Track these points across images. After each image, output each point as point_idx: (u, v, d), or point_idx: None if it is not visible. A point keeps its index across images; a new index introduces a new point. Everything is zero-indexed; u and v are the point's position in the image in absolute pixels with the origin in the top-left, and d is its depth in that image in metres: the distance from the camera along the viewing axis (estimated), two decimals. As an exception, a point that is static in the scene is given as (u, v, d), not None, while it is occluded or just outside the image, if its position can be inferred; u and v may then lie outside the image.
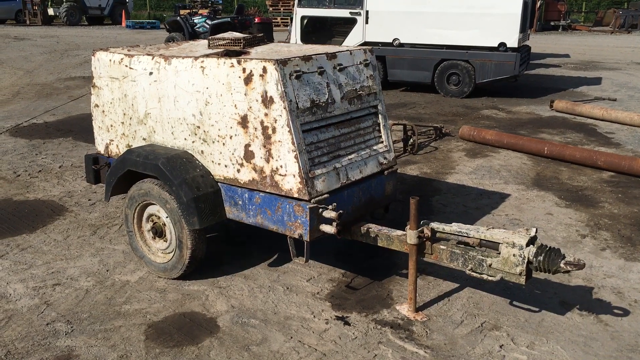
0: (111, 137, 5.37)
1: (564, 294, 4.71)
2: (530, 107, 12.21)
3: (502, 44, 12.23)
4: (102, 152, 5.52)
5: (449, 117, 11.26)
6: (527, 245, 3.92)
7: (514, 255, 3.93)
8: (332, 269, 5.11)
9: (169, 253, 4.87)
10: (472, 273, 4.10)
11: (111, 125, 5.32)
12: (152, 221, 4.92)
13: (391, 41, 13.37)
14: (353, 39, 13.66)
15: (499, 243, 4.02)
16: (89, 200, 6.73)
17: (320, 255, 5.29)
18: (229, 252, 5.44)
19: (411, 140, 8.67)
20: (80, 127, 10.06)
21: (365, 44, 13.44)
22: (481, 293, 4.71)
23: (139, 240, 5.05)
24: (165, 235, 4.87)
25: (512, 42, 12.13)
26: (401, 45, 13.33)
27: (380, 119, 4.99)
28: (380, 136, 5.00)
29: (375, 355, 3.93)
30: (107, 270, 5.07)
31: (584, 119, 10.98)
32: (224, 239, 5.74)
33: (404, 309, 4.47)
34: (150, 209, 4.92)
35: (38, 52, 20.97)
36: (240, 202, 4.60)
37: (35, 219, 6.18)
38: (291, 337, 4.12)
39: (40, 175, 7.64)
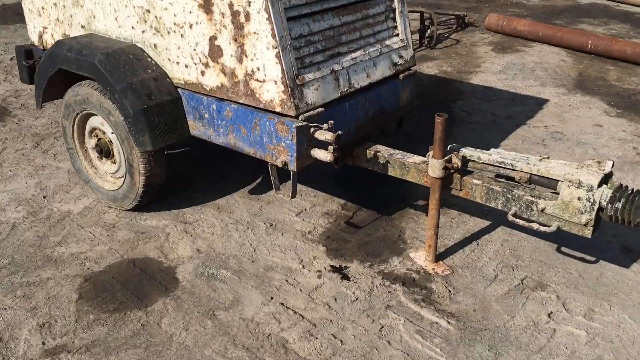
0: (44, 23, 4.12)
1: (626, 237, 3.65)
2: (564, -7, 10.63)
3: None
4: (36, 42, 4.30)
5: (472, 3, 9.74)
6: (599, 185, 2.80)
7: (579, 198, 2.82)
8: (328, 199, 4.04)
9: (120, 178, 3.79)
10: (517, 220, 3.02)
11: (42, 7, 4.06)
12: (97, 137, 3.79)
13: None
14: None
15: (558, 180, 2.91)
16: (39, 101, 5.56)
17: (315, 180, 4.20)
18: (201, 173, 4.35)
19: (429, 32, 7.31)
20: (44, 11, 8.67)
21: None
22: (519, 235, 3.66)
23: (82, 161, 3.95)
24: (113, 156, 3.76)
25: None
26: None
27: (396, 3, 3.70)
28: (396, 27, 3.74)
29: (382, 326, 2.95)
30: (45, 197, 4.02)
31: (629, 7, 9.46)
32: (194, 156, 4.63)
33: (420, 258, 3.44)
34: (92, 121, 3.78)
35: None
36: (206, 116, 3.45)
37: (-31, 126, 5.07)
38: (272, 298, 3.12)
39: (-14, 69, 6.43)
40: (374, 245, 3.57)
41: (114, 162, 3.77)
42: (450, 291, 3.19)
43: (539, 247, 3.55)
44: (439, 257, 3.44)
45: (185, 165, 4.46)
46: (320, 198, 4.04)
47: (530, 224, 2.98)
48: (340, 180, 4.25)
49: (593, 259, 3.46)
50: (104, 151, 3.76)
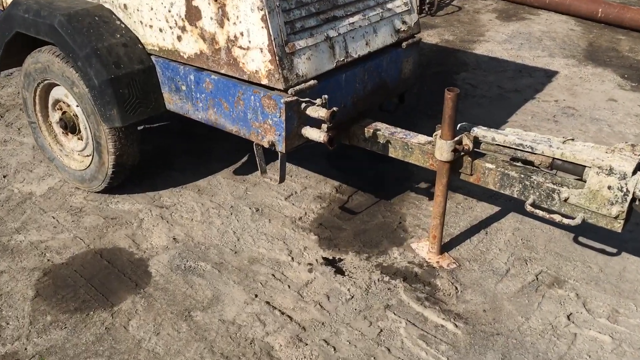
0: (2, -19, 3.66)
1: (650, 226, 3.31)
2: (570, -41, 10.11)
3: None
4: (-5, 3, 3.83)
5: (473, -32, 9.24)
6: (634, 172, 2.43)
7: (609, 187, 2.45)
8: (321, 180, 3.66)
9: (87, 156, 3.39)
10: (536, 210, 2.65)
11: (-1, -37, 3.60)
12: (61, 110, 3.37)
13: None
14: None
15: (585, 166, 2.53)
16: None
17: (307, 159, 3.82)
18: (181, 150, 3.95)
19: (429, -3, 6.86)
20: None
21: None
22: (532, 222, 3.30)
23: (46, 136, 3.54)
24: (80, 131, 3.35)
25: None
26: None
27: (400, -39, 3.27)
28: (399, -12, 3.31)
29: (381, 330, 2.59)
30: (5, 176, 3.62)
31: (638, -26, 8.99)
32: (174, 131, 4.22)
33: (423, 249, 3.08)
34: (55, 92, 3.36)
35: None
36: (184, 88, 3.03)
37: None
38: (256, 296, 2.76)
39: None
40: (372, 234, 3.20)
41: (81, 139, 3.36)
42: (457, 288, 2.84)
43: (554, 237, 3.20)
44: (443, 248, 3.08)
45: (164, 141, 4.05)
46: (312, 179, 3.66)
47: (551, 215, 2.61)
48: (334, 159, 3.86)
49: (614, 250, 3.12)
50: (69, 126, 3.34)
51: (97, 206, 3.35)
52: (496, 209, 3.42)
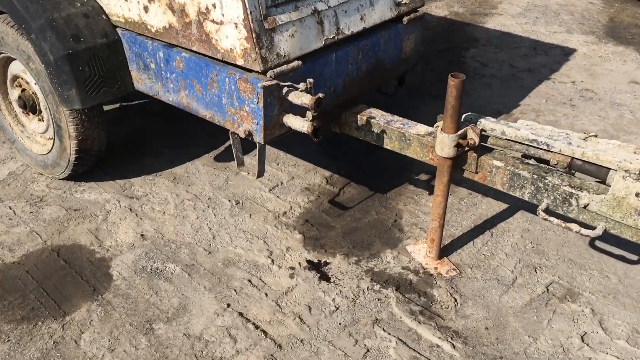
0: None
1: (676, 230, 2.94)
2: None
3: None
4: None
5: None
6: (667, 179, 2.07)
7: (637, 194, 2.10)
8: (311, 170, 3.31)
9: (50, 139, 3.05)
10: (549, 217, 2.30)
11: None
12: (20, 87, 3.02)
13: None
14: None
15: (610, 169, 2.17)
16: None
17: (296, 144, 3.46)
18: (159, 133, 3.60)
19: (439, -35, 6.38)
20: None
21: None
22: (543, 223, 2.95)
23: (6, 116, 3.20)
24: (41, 112, 3.01)
25: None
26: None
27: None
28: (401, -46, 2.91)
29: (368, 350, 2.27)
30: (-38, 160, 3.29)
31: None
32: (154, 110, 3.87)
33: (420, 253, 2.74)
34: (13, 68, 3.00)
35: None
36: (153, 66, 2.67)
37: None
38: (228, 305, 2.44)
39: None
40: (363, 234, 2.87)
41: (42, 120, 3.02)
42: (456, 300, 2.51)
43: (568, 241, 2.85)
44: (443, 252, 2.74)
45: (139, 123, 3.70)
46: (300, 168, 3.31)
47: (567, 224, 2.26)
48: (326, 146, 3.51)
49: (635, 257, 2.77)
50: (29, 105, 3.00)
51: (60, 195, 3.02)
52: (504, 206, 3.07)
